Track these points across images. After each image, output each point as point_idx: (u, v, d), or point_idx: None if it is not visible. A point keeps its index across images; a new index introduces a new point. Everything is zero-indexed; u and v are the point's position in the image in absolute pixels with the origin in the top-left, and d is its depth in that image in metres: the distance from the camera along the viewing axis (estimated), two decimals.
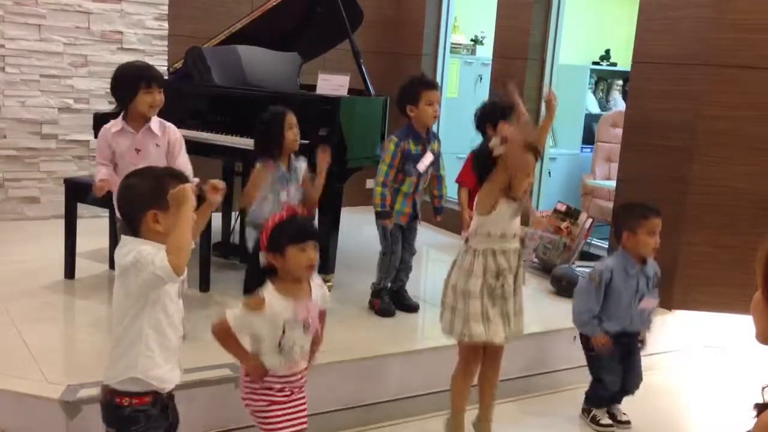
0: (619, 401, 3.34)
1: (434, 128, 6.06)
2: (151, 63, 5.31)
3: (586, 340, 3.26)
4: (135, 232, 2.01)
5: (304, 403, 2.43)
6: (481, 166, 2.75)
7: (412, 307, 3.80)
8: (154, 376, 2.04)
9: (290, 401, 2.38)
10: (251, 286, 2.33)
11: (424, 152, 3.63)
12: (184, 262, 1.92)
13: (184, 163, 3.37)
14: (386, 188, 3.60)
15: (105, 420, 2.10)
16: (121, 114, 3.36)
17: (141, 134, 3.31)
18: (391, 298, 3.82)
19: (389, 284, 3.80)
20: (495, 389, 2.97)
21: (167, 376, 2.08)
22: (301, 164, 3.48)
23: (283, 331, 2.29)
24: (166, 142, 3.37)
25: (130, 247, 1.98)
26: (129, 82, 3.28)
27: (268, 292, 2.28)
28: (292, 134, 3.39)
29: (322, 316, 2.46)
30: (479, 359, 2.90)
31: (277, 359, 2.32)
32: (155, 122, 3.35)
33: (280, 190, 3.41)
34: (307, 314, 2.32)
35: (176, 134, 3.40)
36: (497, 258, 2.74)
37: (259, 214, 3.34)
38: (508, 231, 2.75)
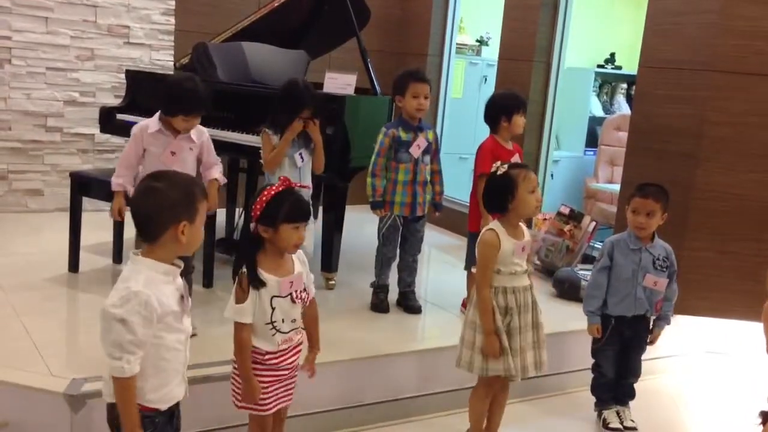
0: (623, 402, 3.36)
1: (438, 128, 6.14)
2: (157, 58, 5.38)
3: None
4: (152, 237, 1.93)
5: (294, 378, 2.47)
6: (493, 198, 2.81)
7: (413, 309, 3.80)
8: (149, 399, 1.98)
9: (284, 378, 2.41)
10: (242, 255, 2.35)
11: (416, 139, 3.66)
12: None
13: (215, 160, 3.41)
14: (376, 178, 3.65)
15: (110, 422, 2.03)
16: (158, 114, 3.28)
17: (179, 138, 3.25)
18: (398, 298, 3.85)
19: (388, 282, 3.82)
20: (502, 411, 2.99)
21: (167, 397, 2.02)
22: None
23: (272, 308, 2.31)
24: (199, 145, 3.33)
25: (124, 285, 1.90)
26: (172, 101, 3.18)
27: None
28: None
29: (312, 306, 2.48)
30: (497, 385, 2.92)
31: (271, 341, 2.34)
32: (194, 130, 3.31)
33: (292, 154, 3.49)
34: (290, 288, 2.34)
35: (206, 135, 3.38)
36: (507, 296, 2.77)
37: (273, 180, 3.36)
38: (517, 268, 2.78)
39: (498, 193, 2.77)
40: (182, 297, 2.01)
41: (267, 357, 2.36)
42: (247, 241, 2.38)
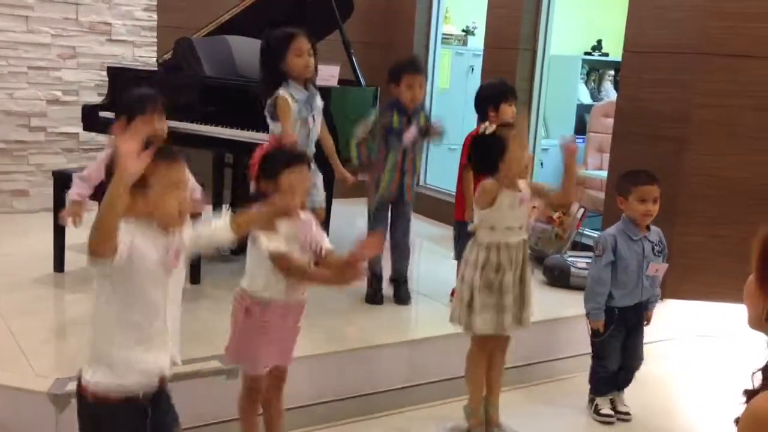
0: (621, 388, 3.33)
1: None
2: (139, 54, 5.33)
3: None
4: None
5: (294, 340, 2.47)
6: (483, 158, 2.77)
7: (402, 300, 3.78)
8: (116, 358, 1.84)
9: (281, 338, 2.40)
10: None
11: (408, 127, 3.62)
12: (99, 240, 1.75)
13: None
14: (360, 146, 3.64)
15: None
16: None
17: None
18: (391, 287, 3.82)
19: (380, 271, 3.79)
20: (501, 374, 2.98)
21: (137, 368, 1.84)
22: (320, 100, 3.46)
23: None
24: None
25: None
26: (128, 107, 3.17)
27: None
28: (302, 61, 3.24)
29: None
30: (489, 346, 2.90)
31: (276, 287, 2.33)
32: None
33: (306, 116, 3.33)
34: (305, 235, 2.35)
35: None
36: (500, 252, 2.76)
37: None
38: (513, 223, 2.77)
39: (488, 152, 2.74)
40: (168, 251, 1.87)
41: (265, 313, 2.34)
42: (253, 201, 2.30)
